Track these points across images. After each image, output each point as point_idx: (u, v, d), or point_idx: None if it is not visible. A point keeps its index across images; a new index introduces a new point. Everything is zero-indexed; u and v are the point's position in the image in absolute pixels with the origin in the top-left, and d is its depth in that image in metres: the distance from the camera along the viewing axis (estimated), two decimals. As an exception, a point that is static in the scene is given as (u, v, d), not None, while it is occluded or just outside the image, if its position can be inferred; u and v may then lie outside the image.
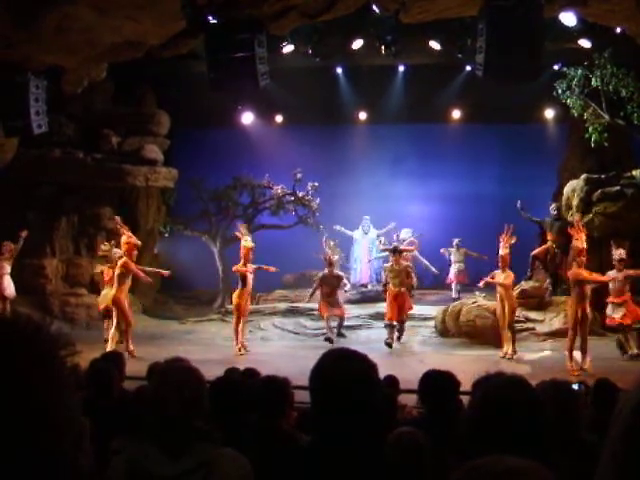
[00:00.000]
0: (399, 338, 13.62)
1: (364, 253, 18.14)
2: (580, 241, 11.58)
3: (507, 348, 12.37)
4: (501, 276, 12.48)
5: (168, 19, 11.14)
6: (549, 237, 15.93)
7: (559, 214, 15.76)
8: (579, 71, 14.77)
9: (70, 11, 10.30)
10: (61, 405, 1.01)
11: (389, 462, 2.18)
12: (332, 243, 18.84)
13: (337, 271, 14.54)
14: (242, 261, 13.26)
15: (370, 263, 18.02)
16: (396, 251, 13.91)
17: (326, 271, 14.01)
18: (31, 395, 0.97)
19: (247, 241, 13.44)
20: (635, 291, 12.17)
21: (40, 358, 1.00)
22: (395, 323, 13.44)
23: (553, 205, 16.06)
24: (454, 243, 17.91)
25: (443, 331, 14.46)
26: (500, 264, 12.56)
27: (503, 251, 12.57)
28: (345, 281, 14.58)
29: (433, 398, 4.36)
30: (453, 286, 17.83)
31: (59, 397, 1.00)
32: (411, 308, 14.04)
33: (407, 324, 13.80)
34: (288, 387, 4.02)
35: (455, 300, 16.19)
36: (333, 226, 17.97)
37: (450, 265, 17.96)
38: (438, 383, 4.41)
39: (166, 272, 13.91)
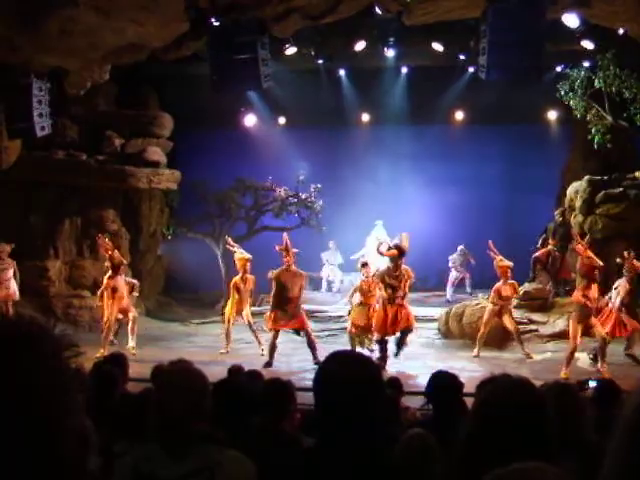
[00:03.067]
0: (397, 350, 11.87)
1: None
2: (592, 259, 11.41)
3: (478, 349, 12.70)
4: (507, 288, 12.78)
5: (171, 21, 11.15)
6: (551, 241, 16.00)
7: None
8: (582, 72, 14.78)
9: (73, 14, 10.32)
10: (64, 406, 1.01)
11: (399, 464, 2.18)
12: (332, 243, 18.87)
13: (298, 269, 12.36)
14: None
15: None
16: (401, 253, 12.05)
17: (283, 267, 12.06)
18: (35, 396, 0.97)
19: (243, 253, 13.49)
20: None
21: (44, 359, 1.00)
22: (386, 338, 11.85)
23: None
24: (458, 249, 18.03)
25: (446, 333, 14.45)
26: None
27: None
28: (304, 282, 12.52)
29: (438, 399, 4.37)
30: (448, 289, 17.84)
31: (62, 398, 1.00)
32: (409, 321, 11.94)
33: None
34: (291, 389, 4.03)
35: (448, 302, 16.29)
36: (350, 257, 18.04)
37: (451, 269, 18.13)
38: (442, 384, 4.42)
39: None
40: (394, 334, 11.86)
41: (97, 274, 16.08)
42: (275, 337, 12.07)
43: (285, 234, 12.78)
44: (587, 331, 11.40)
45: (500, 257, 13.01)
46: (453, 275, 18.04)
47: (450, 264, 18.07)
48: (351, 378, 2.11)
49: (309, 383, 2.24)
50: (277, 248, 12.32)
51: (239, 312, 13.28)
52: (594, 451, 2.69)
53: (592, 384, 6.15)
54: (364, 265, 12.94)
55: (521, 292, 14.74)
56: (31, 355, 0.99)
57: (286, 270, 12.06)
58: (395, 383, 6.45)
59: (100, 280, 15.62)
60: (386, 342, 11.84)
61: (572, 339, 11.19)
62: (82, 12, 10.31)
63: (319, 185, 18.28)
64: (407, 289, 12.04)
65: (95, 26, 10.69)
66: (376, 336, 11.92)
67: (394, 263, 11.91)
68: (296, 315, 12.02)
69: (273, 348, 12.02)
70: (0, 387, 0.95)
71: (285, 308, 11.95)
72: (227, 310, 13.44)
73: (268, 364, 11.74)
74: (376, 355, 11.70)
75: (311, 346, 11.86)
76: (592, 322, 11.21)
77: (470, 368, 11.47)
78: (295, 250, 12.48)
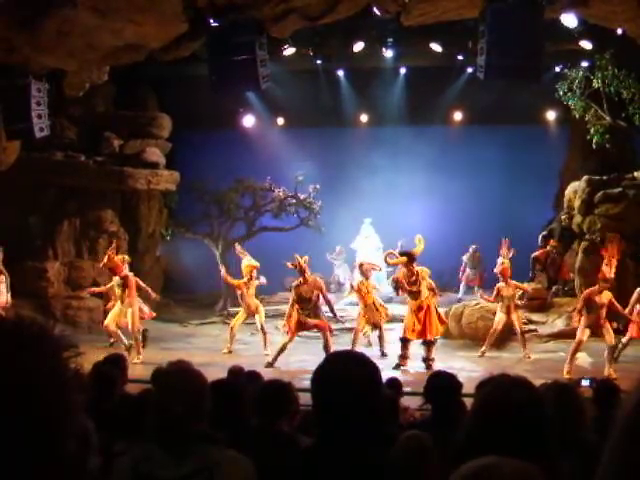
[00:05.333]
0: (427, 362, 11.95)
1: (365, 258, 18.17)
2: (609, 267, 11.46)
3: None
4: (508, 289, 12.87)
5: (169, 22, 11.14)
6: (552, 242, 16.01)
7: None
8: (580, 72, 14.79)
9: (71, 15, 10.31)
10: (64, 406, 1.01)
11: (395, 465, 2.18)
12: (338, 248, 18.91)
13: (313, 276, 12.53)
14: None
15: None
16: (411, 259, 12.25)
17: (300, 280, 12.32)
18: (35, 396, 0.97)
19: (250, 260, 13.57)
20: None
21: (44, 360, 1.00)
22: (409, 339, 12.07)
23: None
24: (470, 249, 18.08)
25: (446, 333, 14.44)
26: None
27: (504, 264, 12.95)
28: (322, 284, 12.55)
29: (437, 399, 4.37)
30: (461, 286, 17.97)
31: (62, 398, 1.01)
32: (444, 322, 12.52)
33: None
34: (290, 390, 4.03)
35: (459, 301, 16.31)
36: (350, 245, 18.21)
37: (465, 268, 18.22)
38: (441, 384, 4.42)
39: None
40: (418, 338, 12.10)
41: (96, 275, 16.07)
42: (290, 340, 12.24)
43: (297, 256, 12.58)
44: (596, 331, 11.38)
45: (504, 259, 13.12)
46: (466, 274, 18.16)
47: (464, 264, 18.26)
48: (349, 378, 2.11)
49: (307, 383, 2.24)
50: (289, 265, 12.52)
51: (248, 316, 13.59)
52: (593, 451, 2.70)
53: (584, 383, 6.20)
54: (360, 266, 13.10)
55: (519, 292, 14.76)
56: (31, 355, 0.99)
57: (303, 282, 12.28)
58: (394, 383, 6.46)
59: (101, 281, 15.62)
60: (408, 340, 12.04)
61: (577, 339, 11.25)
62: (80, 13, 10.30)
63: (317, 185, 18.28)
64: (432, 285, 12.35)
65: (93, 27, 10.68)
66: (401, 335, 12.17)
67: (407, 269, 12.17)
68: (317, 315, 12.24)
69: (282, 350, 12.12)
70: (0, 387, 0.95)
71: (307, 309, 12.20)
72: (237, 317, 13.70)
73: (270, 364, 11.87)
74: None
75: (326, 349, 11.78)
76: (603, 324, 11.21)
77: (469, 368, 11.47)
78: (307, 263, 12.58)
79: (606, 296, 11.15)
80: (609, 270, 11.54)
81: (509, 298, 12.77)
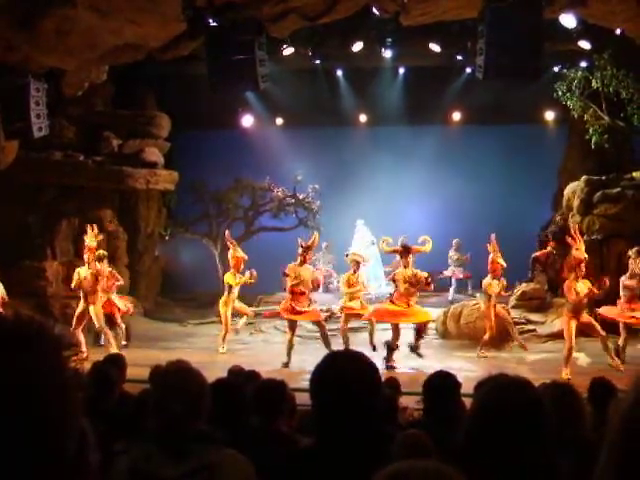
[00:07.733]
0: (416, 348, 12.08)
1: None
2: (580, 251, 11.36)
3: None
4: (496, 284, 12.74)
5: (168, 21, 11.15)
6: (551, 243, 16.01)
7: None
8: (579, 73, 14.81)
9: (70, 14, 10.31)
10: (64, 406, 1.01)
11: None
12: (325, 244, 18.83)
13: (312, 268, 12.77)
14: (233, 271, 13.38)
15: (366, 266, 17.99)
16: (406, 250, 12.21)
17: (297, 262, 12.35)
18: (34, 396, 0.97)
19: (239, 251, 13.52)
20: None
21: (43, 359, 1.00)
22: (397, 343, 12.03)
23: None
24: (453, 243, 17.93)
25: (444, 333, 14.45)
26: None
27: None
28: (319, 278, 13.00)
29: (435, 399, 4.37)
30: (451, 289, 17.77)
31: (62, 398, 1.01)
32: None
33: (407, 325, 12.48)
34: (286, 389, 4.04)
35: (451, 303, 16.20)
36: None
37: (450, 265, 18.04)
38: (440, 384, 4.42)
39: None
40: (399, 321, 12.06)
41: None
42: (292, 335, 12.10)
43: (316, 233, 12.85)
44: (584, 330, 11.33)
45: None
46: (453, 272, 17.97)
47: (449, 261, 18.01)
48: (347, 377, 2.11)
49: (307, 383, 2.24)
50: (301, 243, 12.48)
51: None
52: (592, 450, 2.70)
53: None
54: (357, 262, 13.05)
55: (518, 292, 14.75)
56: (31, 355, 0.99)
57: (299, 265, 12.29)
58: (393, 383, 6.46)
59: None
60: (395, 348, 11.94)
61: (567, 338, 11.13)
62: (79, 12, 10.30)
63: (316, 185, 18.28)
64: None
65: (93, 26, 10.68)
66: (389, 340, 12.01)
67: (403, 261, 12.20)
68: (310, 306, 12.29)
69: (291, 347, 12.00)
70: (0, 387, 0.95)
71: (299, 299, 12.17)
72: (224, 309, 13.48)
73: (286, 365, 11.80)
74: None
75: (325, 339, 12.03)
76: (586, 319, 11.14)
77: (468, 368, 11.46)
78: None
79: (586, 285, 11.09)
80: (580, 253, 11.38)
81: (496, 295, 12.70)
